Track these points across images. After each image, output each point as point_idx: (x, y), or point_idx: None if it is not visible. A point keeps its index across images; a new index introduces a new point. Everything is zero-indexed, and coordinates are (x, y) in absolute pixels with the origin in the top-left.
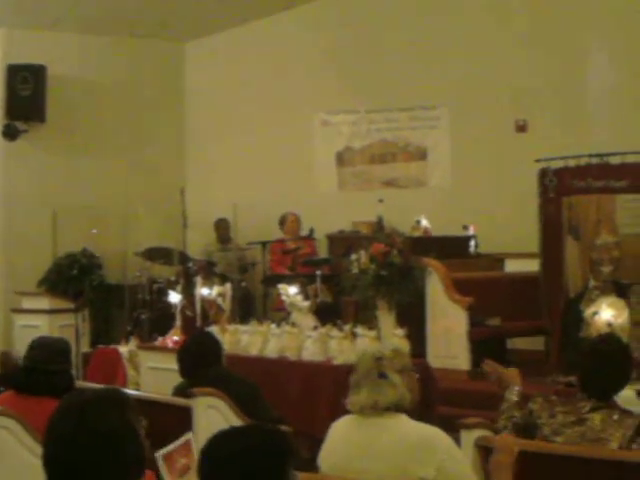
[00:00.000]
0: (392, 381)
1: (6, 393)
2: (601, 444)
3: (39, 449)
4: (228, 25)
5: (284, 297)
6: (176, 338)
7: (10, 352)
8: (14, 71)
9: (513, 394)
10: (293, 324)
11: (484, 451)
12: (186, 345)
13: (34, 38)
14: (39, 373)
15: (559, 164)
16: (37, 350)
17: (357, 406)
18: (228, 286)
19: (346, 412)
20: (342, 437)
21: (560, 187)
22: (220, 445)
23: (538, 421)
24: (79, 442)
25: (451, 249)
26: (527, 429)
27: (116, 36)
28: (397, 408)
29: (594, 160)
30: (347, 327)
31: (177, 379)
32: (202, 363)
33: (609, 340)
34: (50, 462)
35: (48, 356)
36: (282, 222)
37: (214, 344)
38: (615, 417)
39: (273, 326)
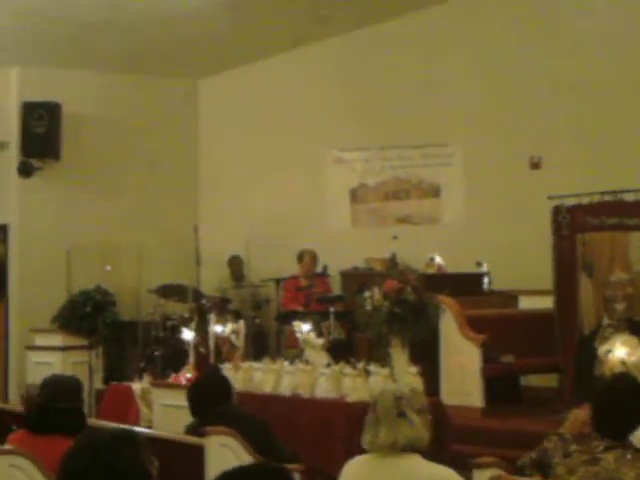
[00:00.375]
0: (411, 420)
1: (18, 432)
2: None
3: None
4: (241, 62)
5: (298, 334)
6: (189, 375)
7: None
8: (30, 108)
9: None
10: (306, 361)
11: None
12: (196, 383)
13: (49, 76)
14: (51, 412)
15: (572, 201)
16: (49, 389)
17: (375, 445)
18: (242, 323)
19: (360, 449)
20: (355, 477)
21: (574, 224)
22: None
23: (552, 460)
24: (92, 478)
25: (465, 286)
26: (542, 465)
27: (130, 74)
28: (414, 448)
29: (607, 197)
30: (360, 365)
31: (190, 417)
32: (212, 401)
33: (624, 379)
34: None
35: (60, 395)
36: (300, 258)
37: (223, 381)
38: (629, 456)
39: (286, 363)
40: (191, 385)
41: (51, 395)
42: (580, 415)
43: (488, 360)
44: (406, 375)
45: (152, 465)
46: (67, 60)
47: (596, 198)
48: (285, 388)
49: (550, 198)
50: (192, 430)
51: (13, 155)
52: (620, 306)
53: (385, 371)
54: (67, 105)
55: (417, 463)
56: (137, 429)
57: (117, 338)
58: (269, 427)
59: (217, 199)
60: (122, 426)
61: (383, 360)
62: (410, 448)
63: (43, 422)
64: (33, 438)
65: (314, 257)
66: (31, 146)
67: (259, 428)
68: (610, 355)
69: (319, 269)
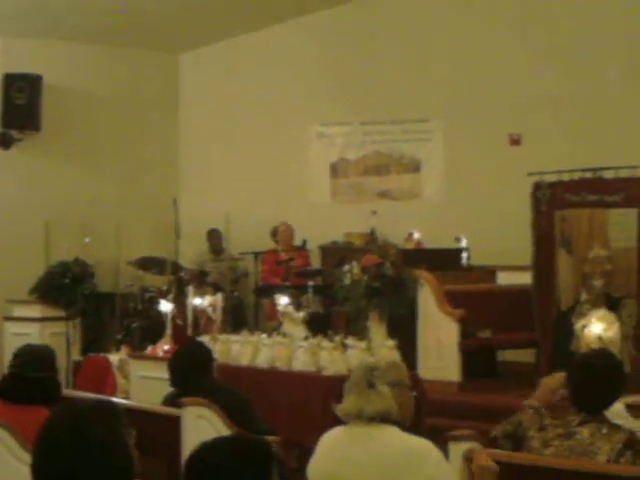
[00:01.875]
0: (380, 392)
1: None
2: (589, 457)
3: (27, 457)
4: (223, 36)
5: (280, 307)
6: (167, 347)
7: None
8: (10, 80)
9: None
10: (284, 334)
11: (472, 463)
12: (177, 354)
13: (30, 47)
14: (24, 381)
15: (553, 177)
16: (22, 358)
17: (342, 412)
18: (219, 296)
19: (336, 422)
20: (331, 448)
21: (553, 201)
22: (203, 455)
23: (527, 433)
24: (69, 452)
25: (443, 261)
26: (515, 438)
27: (112, 46)
28: (383, 419)
29: (588, 174)
30: (338, 338)
31: (167, 388)
32: (193, 373)
33: (603, 355)
34: (39, 471)
35: (33, 364)
36: (275, 232)
37: (205, 354)
38: (604, 431)
39: (264, 336)
40: (172, 355)
41: (23, 364)
42: (550, 382)
43: (465, 335)
44: (383, 349)
45: (129, 436)
46: (48, 32)
47: (577, 175)
48: (262, 361)
49: (530, 174)
50: (170, 401)
51: None
52: (598, 282)
53: (362, 344)
54: (48, 77)
55: (393, 434)
56: (115, 400)
57: (95, 310)
58: (248, 401)
59: (197, 172)
60: (100, 397)
61: (361, 334)
62: (379, 418)
63: (15, 391)
64: (6, 407)
65: (289, 229)
66: (11, 117)
67: (238, 402)
68: (586, 331)
69: (299, 243)
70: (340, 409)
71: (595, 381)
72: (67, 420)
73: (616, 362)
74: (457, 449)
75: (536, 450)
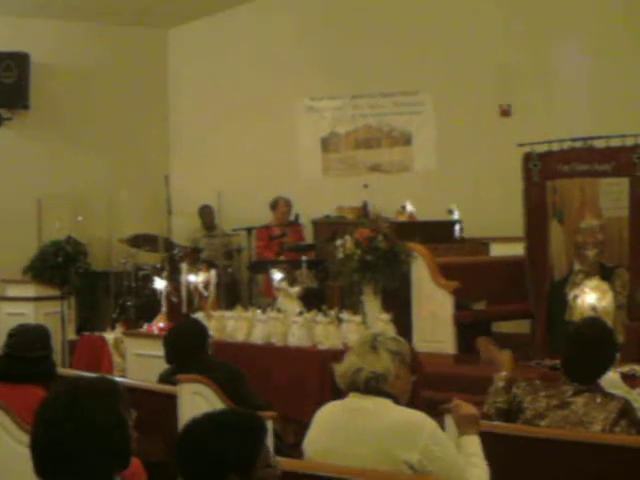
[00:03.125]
0: (380, 355)
1: None
2: (584, 427)
3: (25, 438)
4: (211, 11)
5: (275, 283)
6: (162, 325)
7: None
8: None
9: (500, 379)
10: (279, 310)
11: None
12: (173, 331)
13: (17, 25)
14: (19, 361)
15: (543, 148)
16: (16, 338)
17: (341, 370)
18: (213, 272)
19: (332, 396)
20: (327, 422)
21: (544, 171)
22: (193, 429)
23: (522, 405)
24: (67, 429)
25: (436, 234)
26: (510, 414)
27: (99, 23)
28: (378, 383)
29: (578, 144)
30: (332, 312)
31: (163, 365)
32: (189, 350)
33: (593, 325)
34: (37, 448)
35: (27, 343)
36: (274, 206)
37: (201, 331)
38: (598, 400)
39: (259, 312)
40: (168, 332)
41: (18, 344)
42: (507, 353)
43: (460, 307)
44: (378, 322)
45: (129, 416)
46: (35, 9)
47: (567, 145)
48: (258, 337)
49: (520, 145)
50: (166, 378)
51: None
52: (591, 252)
53: (357, 319)
54: (35, 55)
55: (388, 407)
56: (115, 378)
57: (89, 288)
58: (244, 377)
59: (188, 148)
60: (100, 375)
61: (355, 308)
62: (373, 381)
63: (10, 371)
64: (2, 387)
65: (289, 204)
66: None
67: (234, 378)
68: (579, 300)
69: (291, 218)
70: (339, 368)
71: (586, 351)
72: (65, 398)
73: (607, 331)
74: (452, 422)
75: (530, 422)
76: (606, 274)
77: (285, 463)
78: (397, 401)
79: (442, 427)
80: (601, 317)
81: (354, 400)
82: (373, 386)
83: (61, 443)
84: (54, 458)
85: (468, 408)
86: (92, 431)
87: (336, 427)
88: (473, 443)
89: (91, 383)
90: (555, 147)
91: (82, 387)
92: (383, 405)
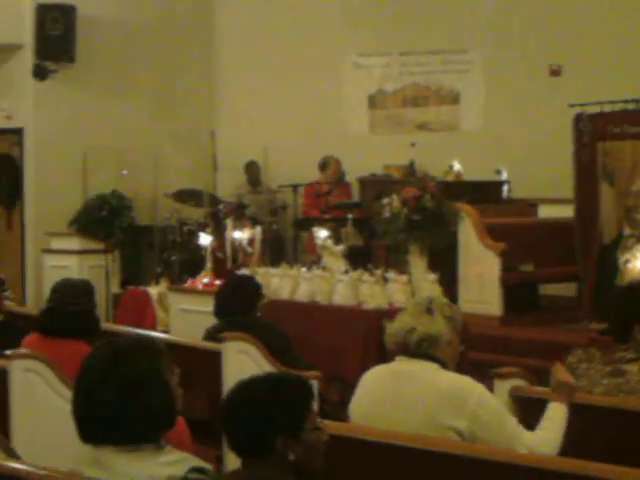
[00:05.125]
0: (435, 318)
1: (31, 336)
2: (637, 396)
3: (68, 392)
4: None
5: (318, 240)
6: (206, 280)
7: None
8: (44, 11)
9: None
10: (324, 268)
11: (518, 401)
12: (228, 285)
13: None
14: (62, 314)
15: (594, 109)
16: (60, 292)
17: (392, 329)
18: (258, 229)
19: (377, 356)
20: (373, 387)
21: (595, 132)
22: (240, 392)
23: (576, 372)
24: (109, 387)
25: (484, 194)
26: None
27: None
28: (430, 345)
29: (630, 106)
30: (378, 272)
31: (207, 321)
32: (242, 305)
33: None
34: (80, 406)
35: (71, 298)
36: (324, 166)
37: (256, 289)
38: None
39: (304, 270)
40: (221, 287)
41: (62, 298)
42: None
43: (507, 269)
44: (424, 282)
45: (172, 374)
46: None
47: (618, 106)
48: (302, 294)
49: (571, 106)
50: (213, 334)
51: (27, 58)
52: None
53: (403, 278)
54: (82, 7)
55: (435, 372)
56: (156, 335)
57: (134, 243)
58: (290, 340)
59: (234, 104)
60: (143, 333)
61: (401, 267)
62: (426, 342)
63: (54, 325)
64: (46, 341)
65: (339, 164)
66: (46, 49)
67: (280, 339)
68: (630, 265)
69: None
70: (390, 326)
71: (636, 311)
72: (107, 356)
73: None
74: (503, 386)
75: (585, 389)
76: None
77: (331, 427)
78: (445, 367)
79: (490, 391)
80: None
81: (401, 364)
82: (424, 348)
83: (103, 401)
84: (96, 417)
85: (565, 375)
86: (132, 388)
87: (382, 392)
88: (556, 410)
89: (132, 342)
90: (606, 108)
91: (123, 346)
92: (431, 369)
